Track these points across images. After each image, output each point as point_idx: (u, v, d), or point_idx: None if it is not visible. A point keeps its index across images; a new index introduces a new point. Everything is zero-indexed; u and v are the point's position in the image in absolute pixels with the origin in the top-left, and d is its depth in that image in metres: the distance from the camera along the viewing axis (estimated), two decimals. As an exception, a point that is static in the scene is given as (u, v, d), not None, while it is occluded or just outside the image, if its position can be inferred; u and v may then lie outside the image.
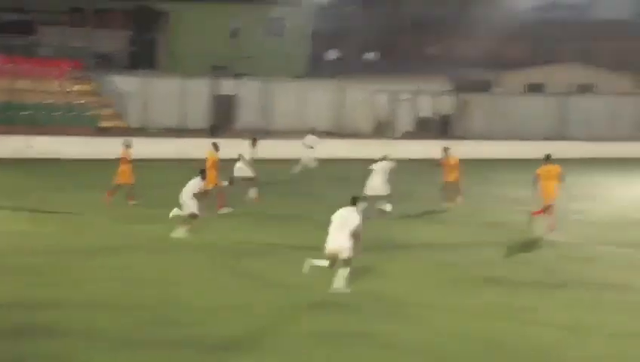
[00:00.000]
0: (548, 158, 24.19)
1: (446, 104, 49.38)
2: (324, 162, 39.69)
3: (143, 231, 22.48)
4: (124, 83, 46.91)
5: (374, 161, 26.27)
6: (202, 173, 22.11)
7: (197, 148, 41.32)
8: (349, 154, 41.67)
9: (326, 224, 23.92)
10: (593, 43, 73.71)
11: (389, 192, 25.29)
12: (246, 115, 47.57)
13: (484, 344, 14.01)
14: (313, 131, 37.39)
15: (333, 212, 25.79)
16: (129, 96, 46.22)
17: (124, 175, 26.19)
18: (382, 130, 48.32)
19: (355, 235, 16.32)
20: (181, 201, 21.52)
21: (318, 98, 48.13)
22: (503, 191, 30.47)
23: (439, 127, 48.15)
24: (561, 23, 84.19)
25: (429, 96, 48.93)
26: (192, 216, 21.44)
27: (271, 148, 41.85)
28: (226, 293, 16.66)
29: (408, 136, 46.83)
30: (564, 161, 37.54)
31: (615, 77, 58.56)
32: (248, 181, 27.74)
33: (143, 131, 43.16)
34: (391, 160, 25.94)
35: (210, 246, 20.59)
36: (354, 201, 16.84)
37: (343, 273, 16.52)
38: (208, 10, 60.83)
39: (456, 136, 46.16)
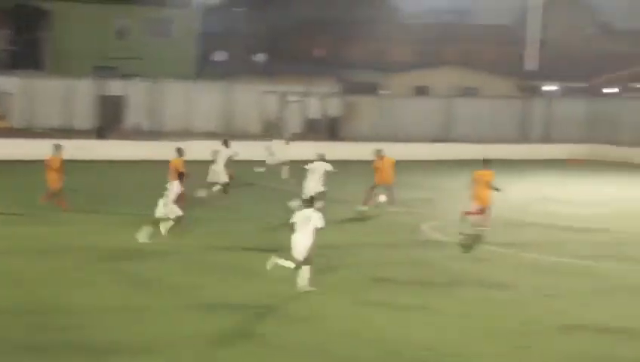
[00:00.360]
0: (486, 163, 24.82)
1: (334, 106, 49.81)
2: (212, 164, 39.54)
3: (26, 233, 22.02)
4: (7, 83, 45.77)
5: (309, 161, 26.53)
6: (181, 177, 21.76)
7: (82, 149, 40.73)
8: (238, 156, 41.67)
9: (218, 225, 24.00)
10: (475, 47, 75.59)
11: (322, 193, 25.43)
12: (134, 116, 47.02)
13: (372, 343, 14.27)
14: (286, 136, 37.50)
15: (222, 212, 25.89)
16: (12, 96, 45.10)
17: (52, 180, 25.62)
18: (271, 131, 48.43)
19: (315, 233, 16.77)
20: (161, 206, 21.17)
21: (207, 99, 47.94)
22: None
23: (328, 129, 48.53)
24: (445, 27, 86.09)
25: (318, 98, 49.28)
26: (178, 219, 21.28)
27: (160, 150, 41.52)
28: (113, 296, 16.49)
29: (297, 137, 47.05)
30: (449, 163, 38.56)
31: (497, 80, 60.12)
32: (222, 183, 28.37)
33: (27, 132, 42.18)
34: (327, 161, 26.24)
35: (97, 249, 20.33)
36: (311, 202, 17.27)
37: (305, 271, 16.93)
38: (93, 10, 59.87)
39: (344, 138, 46.65)
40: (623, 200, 32.77)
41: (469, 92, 56.83)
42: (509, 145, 48.44)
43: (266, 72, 58.25)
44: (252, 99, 48.50)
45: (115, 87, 47.42)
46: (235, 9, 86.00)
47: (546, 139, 50.24)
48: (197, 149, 42.21)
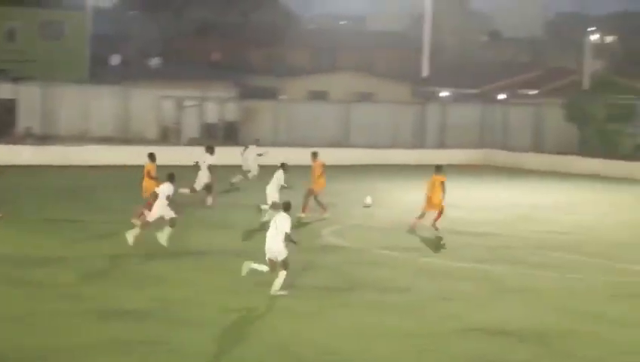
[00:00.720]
0: (438, 168, 26.20)
1: (232, 110, 49.66)
2: (109, 169, 39.04)
3: None
4: None
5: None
6: (171, 178, 21.56)
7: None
8: (134, 160, 41.18)
9: (110, 232, 23.65)
10: (372, 52, 76.44)
11: (276, 200, 25.28)
12: (26, 120, 45.91)
13: (274, 348, 14.31)
14: (257, 142, 37.00)
15: (116, 219, 25.59)
16: None
17: None
18: (168, 136, 47.98)
19: (286, 238, 17.30)
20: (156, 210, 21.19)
21: (102, 103, 47.18)
22: (287, 196, 30.99)
23: (226, 134, 48.36)
24: (342, 32, 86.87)
25: (215, 103, 49.07)
26: (172, 220, 21.21)
27: (57, 155, 40.72)
28: (7, 304, 16.11)
29: (195, 142, 46.72)
30: (347, 168, 38.77)
31: (393, 86, 60.86)
32: (205, 188, 28.89)
33: None
34: (282, 168, 26.45)
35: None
36: (286, 207, 17.71)
37: (281, 275, 17.42)
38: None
39: (243, 143, 46.51)
40: (515, 205, 33.58)
41: (365, 97, 57.36)
42: (406, 151, 49.12)
43: (163, 76, 57.63)
44: (148, 103, 47.94)
45: (5, 90, 46.26)
46: (129, 12, 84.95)
47: (442, 144, 51.15)
48: (93, 153, 41.73)
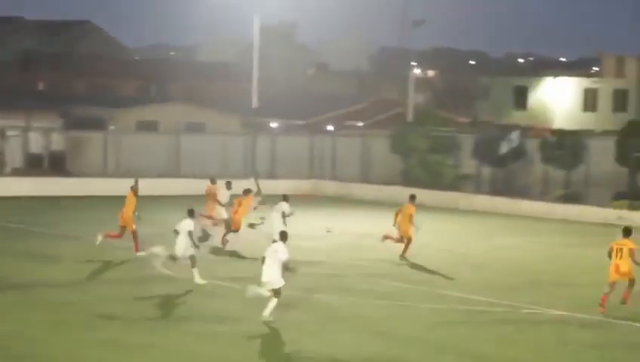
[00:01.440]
0: (412, 198, 28.27)
1: (58, 141, 48.54)
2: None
3: None
4: None
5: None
6: (191, 213, 21.52)
7: None
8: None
9: None
10: (201, 83, 76.46)
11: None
12: None
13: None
14: (255, 176, 36.41)
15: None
16: None
17: None
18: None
19: (284, 266, 18.31)
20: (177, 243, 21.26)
21: None
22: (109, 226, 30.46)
23: (51, 164, 47.21)
24: (170, 63, 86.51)
25: (40, 133, 47.87)
26: (192, 258, 21.33)
27: None
28: None
29: (18, 173, 45.43)
30: (177, 198, 38.66)
31: (223, 116, 61.00)
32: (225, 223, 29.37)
33: None
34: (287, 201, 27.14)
35: None
36: (283, 237, 18.68)
37: (272, 303, 18.05)
38: None
39: (70, 173, 45.55)
40: (344, 233, 34.15)
41: (196, 128, 57.25)
42: (236, 181, 49.18)
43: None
44: (-31, 133, 46.30)
45: None
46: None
47: (272, 174, 51.61)
48: None
